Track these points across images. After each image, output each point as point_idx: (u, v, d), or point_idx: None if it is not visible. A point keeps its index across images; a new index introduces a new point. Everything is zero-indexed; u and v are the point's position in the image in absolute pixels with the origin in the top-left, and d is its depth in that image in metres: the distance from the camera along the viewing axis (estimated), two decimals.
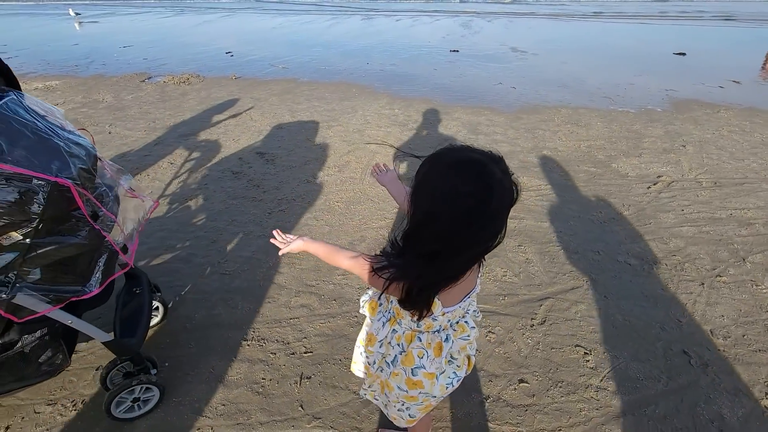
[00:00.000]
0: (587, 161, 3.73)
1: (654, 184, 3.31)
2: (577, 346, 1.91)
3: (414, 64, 7.72)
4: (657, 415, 1.61)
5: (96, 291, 1.37)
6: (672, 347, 1.89)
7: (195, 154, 3.94)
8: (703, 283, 2.27)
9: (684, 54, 8.48)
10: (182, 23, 14.78)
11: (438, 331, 1.05)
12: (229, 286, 2.29)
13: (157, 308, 1.97)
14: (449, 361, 1.10)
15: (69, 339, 1.53)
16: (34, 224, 1.15)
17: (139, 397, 1.58)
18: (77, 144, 1.26)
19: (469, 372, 1.16)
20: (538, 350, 1.89)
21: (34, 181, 1.11)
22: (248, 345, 1.93)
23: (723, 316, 2.06)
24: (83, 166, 1.23)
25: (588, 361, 1.83)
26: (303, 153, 3.96)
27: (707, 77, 6.69)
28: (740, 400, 1.66)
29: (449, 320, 1.04)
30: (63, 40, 11.13)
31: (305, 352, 1.89)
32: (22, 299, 1.23)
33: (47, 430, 1.57)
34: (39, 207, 1.13)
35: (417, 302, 0.93)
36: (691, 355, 1.85)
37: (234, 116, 4.95)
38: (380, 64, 7.75)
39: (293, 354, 1.88)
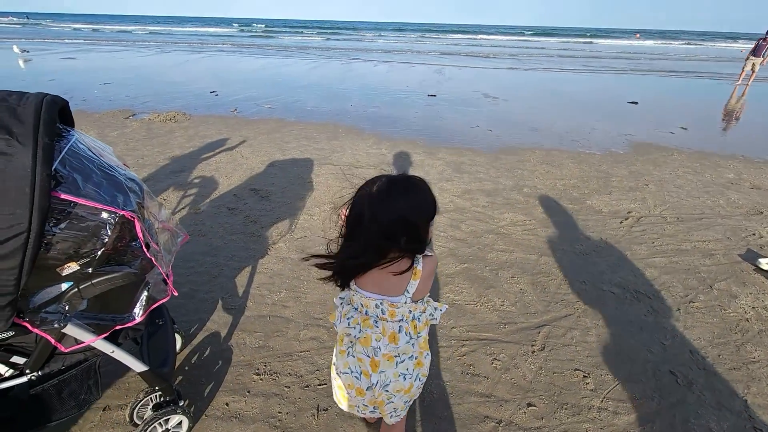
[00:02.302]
0: (564, 198, 4.04)
1: (625, 219, 3.63)
2: (576, 369, 2.04)
3: (395, 107, 8.15)
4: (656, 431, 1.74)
5: (139, 320, 1.40)
6: (660, 368, 2.05)
7: (189, 191, 3.97)
8: (679, 309, 2.50)
9: (636, 103, 9.39)
10: (164, 62, 14.98)
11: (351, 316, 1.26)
12: (235, 321, 2.31)
13: (176, 340, 1.97)
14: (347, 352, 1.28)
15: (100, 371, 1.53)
16: (97, 255, 1.20)
17: (169, 429, 1.56)
18: (131, 179, 1.34)
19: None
20: (542, 375, 2.00)
21: (103, 214, 1.18)
22: (261, 379, 1.94)
23: (699, 338, 2.27)
24: (139, 201, 1.31)
25: (588, 383, 1.96)
26: (297, 190, 4.07)
27: (659, 123, 7.43)
28: (724, 414, 1.82)
29: (362, 305, 1.21)
30: (38, 75, 11.02)
31: (319, 384, 1.92)
32: (69, 328, 1.25)
33: None
34: (105, 238, 1.19)
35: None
36: (677, 374, 2.01)
37: (226, 152, 5.04)
38: (363, 106, 8.13)
39: (308, 386, 1.90)
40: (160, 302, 1.52)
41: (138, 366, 1.48)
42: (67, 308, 1.26)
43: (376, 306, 1.19)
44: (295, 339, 2.19)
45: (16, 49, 15.83)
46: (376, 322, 1.21)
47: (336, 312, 1.33)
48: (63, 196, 1.12)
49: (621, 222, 3.59)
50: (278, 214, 3.55)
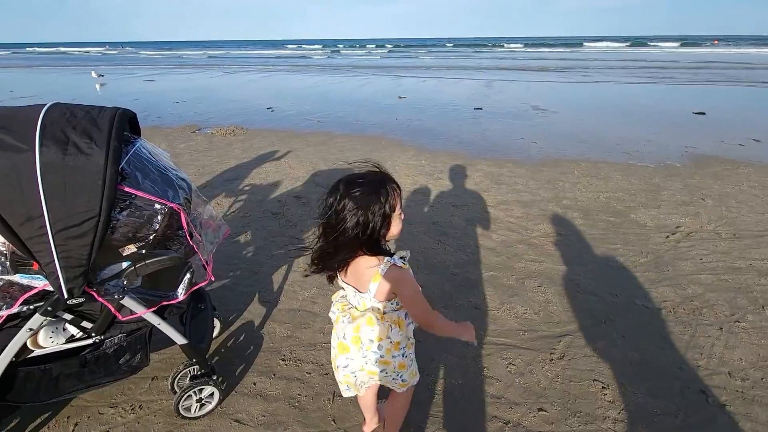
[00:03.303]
0: (606, 211, 3.89)
1: (672, 234, 3.42)
2: (595, 380, 1.99)
3: (440, 120, 8.27)
4: None
5: (181, 298, 1.64)
6: (689, 386, 1.94)
7: (239, 197, 4.35)
8: (721, 328, 2.33)
9: (704, 113, 8.70)
10: (229, 82, 16.38)
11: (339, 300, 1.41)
12: (269, 312, 2.52)
13: (215, 324, 2.22)
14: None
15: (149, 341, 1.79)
16: (150, 239, 1.45)
17: (202, 398, 1.78)
18: (182, 179, 1.59)
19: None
20: (557, 382, 1.98)
21: (156, 205, 1.43)
22: (286, 365, 2.11)
23: (741, 359, 2.11)
24: (186, 196, 1.55)
25: (606, 394, 1.91)
26: None
27: (727, 135, 6.84)
28: None
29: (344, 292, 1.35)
30: (124, 95, 12.54)
31: None
32: (127, 301, 1.51)
33: (109, 429, 1.77)
34: (157, 225, 1.44)
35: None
36: (709, 394, 1.90)
37: (274, 163, 5.45)
38: (408, 119, 8.34)
39: (327, 374, 2.04)
40: (200, 285, 1.77)
41: (179, 339, 1.71)
42: (125, 283, 1.53)
43: (354, 295, 1.32)
44: (320, 332, 2.35)
45: (93, 74, 17.85)
46: (350, 309, 1.35)
47: (333, 300, 1.48)
48: (126, 188, 1.37)
49: (667, 237, 3.39)
50: (317, 220, 3.78)
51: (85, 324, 1.60)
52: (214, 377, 1.84)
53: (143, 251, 1.51)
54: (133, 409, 1.86)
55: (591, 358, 2.13)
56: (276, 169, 5.27)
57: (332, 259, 1.26)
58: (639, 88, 13.14)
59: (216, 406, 1.85)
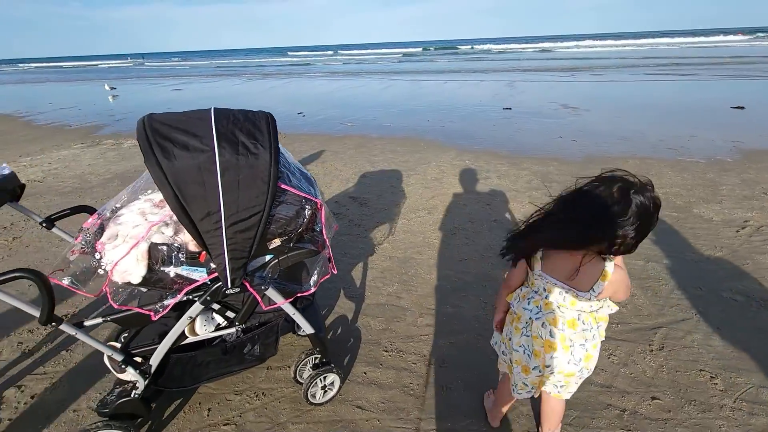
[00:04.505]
0: (667, 206, 3.88)
1: (742, 228, 3.41)
2: (701, 370, 2.02)
3: (471, 121, 8.31)
4: None
5: (313, 289, 1.73)
6: None
7: None
8: None
9: (743, 108, 8.55)
10: (252, 89, 16.69)
11: (531, 297, 1.37)
12: (358, 307, 2.61)
13: None
14: (524, 334, 1.41)
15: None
16: (294, 233, 1.55)
17: (326, 385, 1.87)
18: (312, 178, 1.69)
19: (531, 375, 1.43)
20: (663, 372, 2.02)
21: (304, 201, 1.53)
22: (390, 355, 2.19)
23: None
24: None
25: (716, 384, 1.94)
26: (391, 197, 4.40)
27: None
28: None
29: (544, 290, 1.32)
30: (158, 105, 12.91)
31: (442, 365, 2.12)
32: (270, 291, 1.61)
33: (240, 414, 1.88)
34: (303, 220, 1.54)
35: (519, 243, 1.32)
36: None
37: (321, 165, 5.57)
38: (440, 121, 8.41)
39: (432, 365, 2.12)
40: (325, 277, 1.85)
41: (309, 328, 1.81)
42: (270, 275, 1.63)
43: (560, 293, 1.28)
44: (413, 325, 2.43)
45: (106, 86, 18.13)
46: (559, 307, 1.31)
47: (514, 293, 1.46)
48: (282, 185, 1.48)
49: (737, 231, 3.38)
50: (378, 219, 3.88)
51: (229, 314, 1.71)
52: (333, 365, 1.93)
53: (287, 245, 1.61)
54: (257, 396, 1.96)
55: (691, 349, 2.15)
56: (324, 171, 5.39)
57: (550, 246, 1.27)
58: (666, 85, 12.96)
59: (336, 393, 1.94)
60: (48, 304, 1.28)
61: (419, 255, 3.21)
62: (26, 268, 1.23)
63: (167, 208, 1.54)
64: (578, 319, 1.31)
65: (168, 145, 1.29)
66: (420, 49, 61.26)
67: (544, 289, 1.32)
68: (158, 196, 1.62)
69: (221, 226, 1.37)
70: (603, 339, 1.38)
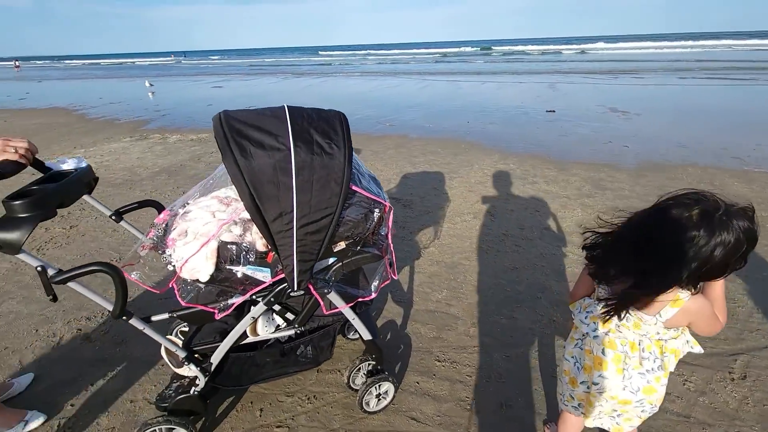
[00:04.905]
0: None
1: None
2: None
3: (514, 124, 8.07)
4: None
5: (374, 295, 1.68)
6: None
7: None
8: None
9: None
10: (289, 87, 16.98)
11: (591, 311, 1.28)
12: (407, 312, 2.54)
13: None
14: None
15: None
16: (361, 236, 1.50)
17: (380, 394, 1.82)
18: (378, 180, 1.64)
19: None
20: (749, 405, 1.83)
21: (373, 203, 1.47)
22: (443, 366, 2.11)
23: None
24: None
25: None
26: (435, 200, 4.30)
27: None
28: None
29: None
30: (199, 101, 13.35)
31: (499, 379, 2.02)
32: (332, 295, 1.57)
33: (292, 417, 1.85)
34: (372, 223, 1.48)
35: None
36: None
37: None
38: (480, 123, 8.21)
39: (488, 379, 2.02)
40: (385, 283, 1.79)
41: (367, 334, 1.76)
42: (333, 278, 1.58)
43: (622, 312, 1.16)
44: (465, 334, 2.33)
45: (147, 83, 18.84)
46: (618, 326, 1.20)
47: (577, 302, 1.37)
48: (353, 187, 1.42)
49: None
50: (423, 222, 3.79)
51: (288, 315, 1.68)
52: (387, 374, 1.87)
53: (352, 248, 1.56)
54: (308, 399, 1.93)
55: None
56: None
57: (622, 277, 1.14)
58: (720, 90, 12.14)
59: (389, 402, 1.88)
60: (122, 298, 1.28)
61: (467, 261, 3.10)
62: (103, 262, 1.23)
63: (234, 205, 1.52)
64: (639, 344, 1.20)
65: (245, 143, 1.26)
66: (457, 49, 60.56)
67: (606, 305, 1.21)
68: (225, 192, 1.61)
69: (293, 227, 1.33)
70: (671, 371, 1.23)
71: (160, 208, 1.73)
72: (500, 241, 3.38)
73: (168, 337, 1.73)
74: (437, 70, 23.08)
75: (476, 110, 9.65)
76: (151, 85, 18.71)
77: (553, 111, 9.12)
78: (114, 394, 2.00)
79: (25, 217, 1.14)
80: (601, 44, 51.20)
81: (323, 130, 1.36)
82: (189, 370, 1.63)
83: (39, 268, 1.17)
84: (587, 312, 1.32)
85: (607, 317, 1.18)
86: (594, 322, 1.28)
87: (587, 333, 1.30)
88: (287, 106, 1.40)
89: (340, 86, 16.84)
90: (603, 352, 1.25)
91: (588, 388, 1.34)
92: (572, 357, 1.38)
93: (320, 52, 73.32)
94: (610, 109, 9.13)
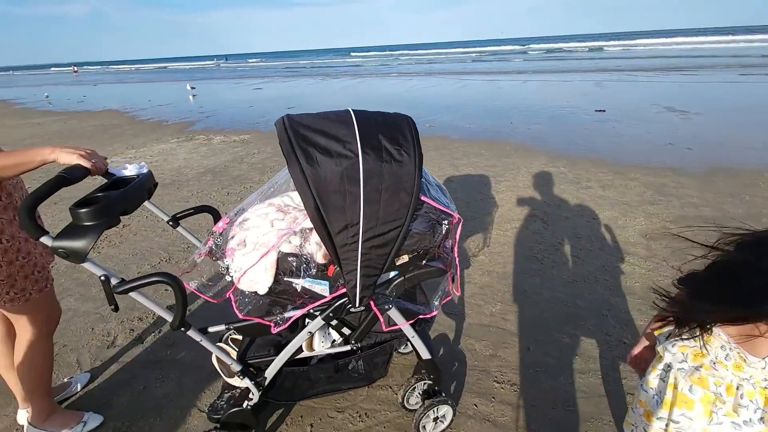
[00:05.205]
0: None
1: None
2: None
3: (561, 124, 7.69)
4: None
5: (434, 312, 1.56)
6: None
7: None
8: None
9: None
10: (326, 88, 17.16)
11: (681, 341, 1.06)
12: (459, 326, 2.40)
13: None
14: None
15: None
16: (426, 250, 1.38)
17: (438, 417, 1.69)
18: (445, 188, 1.51)
19: None
20: None
21: (442, 215, 1.35)
22: (502, 388, 1.95)
23: None
24: None
25: None
26: (481, 205, 4.11)
27: None
28: None
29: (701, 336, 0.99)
30: (240, 102, 13.72)
31: (566, 406, 1.84)
32: (392, 311, 1.46)
33: None
34: (440, 236, 1.36)
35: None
36: None
37: None
38: (525, 123, 7.89)
39: (554, 406, 1.84)
40: (447, 299, 1.67)
41: (426, 353, 1.64)
42: (394, 294, 1.47)
43: (722, 347, 1.00)
44: (525, 353, 2.16)
45: (188, 86, 19.26)
46: (714, 363, 1.02)
47: (665, 328, 1.22)
48: (422, 197, 1.30)
49: None
50: (470, 228, 3.62)
51: (345, 330, 1.59)
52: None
53: (416, 261, 1.45)
54: (359, 416, 1.83)
55: None
56: None
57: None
58: None
59: (447, 426, 1.75)
60: (181, 309, 1.23)
61: (521, 272, 2.91)
62: (165, 273, 1.18)
63: (293, 213, 1.45)
64: (738, 388, 0.99)
65: (311, 149, 1.17)
66: (494, 48, 59.25)
67: (702, 336, 1.01)
68: (282, 199, 1.54)
69: (358, 240, 1.24)
70: None
71: (215, 214, 1.70)
72: (555, 250, 3.16)
73: (221, 345, 1.70)
74: (474, 69, 22.61)
75: (519, 110, 9.30)
76: (193, 88, 19.25)
77: (603, 110, 8.62)
78: (165, 398, 1.99)
79: (91, 225, 1.11)
80: (643, 40, 48.46)
81: (392, 135, 1.25)
82: (241, 381, 1.58)
83: (102, 278, 1.13)
84: (675, 340, 1.13)
85: (694, 335, 1.00)
86: (683, 353, 1.08)
87: (672, 364, 1.11)
88: (352, 110, 1.31)
89: (377, 86, 16.82)
90: (690, 390, 1.05)
91: (666, 425, 1.15)
92: (651, 388, 1.18)
93: (352, 53, 74.02)
94: (666, 108, 8.53)
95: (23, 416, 1.79)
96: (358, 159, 1.17)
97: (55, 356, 2.29)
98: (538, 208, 3.94)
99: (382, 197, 1.21)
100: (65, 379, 2.06)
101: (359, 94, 14.62)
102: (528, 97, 11.32)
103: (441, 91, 14.01)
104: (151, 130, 9.53)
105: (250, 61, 67.96)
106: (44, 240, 1.06)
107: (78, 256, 1.08)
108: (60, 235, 1.07)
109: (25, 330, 1.61)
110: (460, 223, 1.43)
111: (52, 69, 79.66)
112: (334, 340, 1.59)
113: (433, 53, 54.92)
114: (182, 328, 1.29)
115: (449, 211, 1.37)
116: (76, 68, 58.10)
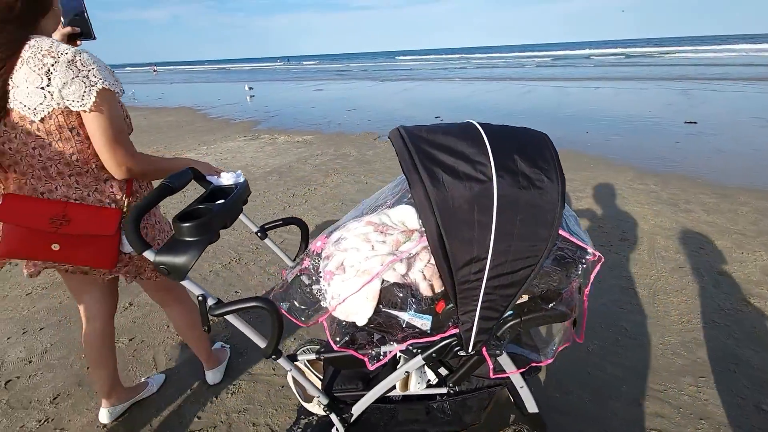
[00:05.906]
0: None
1: None
2: None
3: (644, 136, 6.99)
4: None
5: (550, 360, 1.33)
6: None
7: None
8: None
9: None
10: (385, 90, 17.17)
11: None
12: (551, 366, 2.11)
13: None
14: None
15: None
16: (555, 291, 1.16)
17: None
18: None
19: None
20: None
21: (578, 252, 1.13)
22: None
23: None
24: None
25: None
26: None
27: None
28: None
29: None
30: (301, 103, 14.08)
31: None
32: (502, 357, 1.25)
33: None
34: (575, 276, 1.14)
35: None
36: None
37: None
38: (602, 134, 7.27)
39: None
40: (565, 345, 1.42)
41: (534, 407, 1.41)
42: (507, 337, 1.26)
43: None
44: (635, 407, 1.84)
45: (246, 87, 19.03)
46: None
47: None
48: (560, 232, 1.08)
49: None
50: None
51: (441, 370, 1.40)
52: None
53: (535, 301, 1.22)
54: None
55: None
56: None
57: None
58: None
59: None
60: (276, 337, 1.11)
61: (619, 307, 2.56)
62: (262, 298, 1.06)
63: (395, 235, 1.28)
64: None
65: (437, 170, 1.00)
66: (558, 52, 56.51)
67: None
68: (379, 218, 1.38)
69: (482, 278, 1.04)
70: None
71: (302, 226, 1.58)
72: (655, 282, 2.76)
73: (306, 372, 1.58)
74: (539, 75, 21.59)
75: (594, 119, 8.62)
76: (251, 89, 19.17)
77: (695, 122, 7.74)
78: (236, 409, 1.92)
79: (193, 241, 1.01)
80: (732, 44, 43.69)
81: (530, 156, 1.05)
82: (320, 408, 1.45)
83: (200, 297, 1.04)
84: None
85: None
86: None
87: None
88: (478, 123, 1.12)
89: (437, 90, 16.56)
90: None
91: None
92: None
93: (397, 57, 74.26)
94: None
95: (105, 416, 1.80)
96: (492, 183, 0.98)
97: (133, 352, 2.33)
98: (630, 231, 3.51)
99: (517, 229, 1.01)
100: (142, 379, 2.05)
101: (416, 97, 14.45)
102: (602, 106, 10.50)
103: (505, 96, 13.45)
104: (219, 128, 10.00)
105: (306, 63, 70.31)
106: (147, 255, 0.98)
107: (179, 273, 0.98)
108: (162, 250, 0.98)
109: (179, 300, 1.80)
110: (600, 263, 1.18)
111: (128, 68, 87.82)
112: (429, 380, 1.41)
113: (496, 56, 53.47)
114: (273, 356, 1.17)
115: (588, 248, 1.14)
116: (155, 68, 63.42)
